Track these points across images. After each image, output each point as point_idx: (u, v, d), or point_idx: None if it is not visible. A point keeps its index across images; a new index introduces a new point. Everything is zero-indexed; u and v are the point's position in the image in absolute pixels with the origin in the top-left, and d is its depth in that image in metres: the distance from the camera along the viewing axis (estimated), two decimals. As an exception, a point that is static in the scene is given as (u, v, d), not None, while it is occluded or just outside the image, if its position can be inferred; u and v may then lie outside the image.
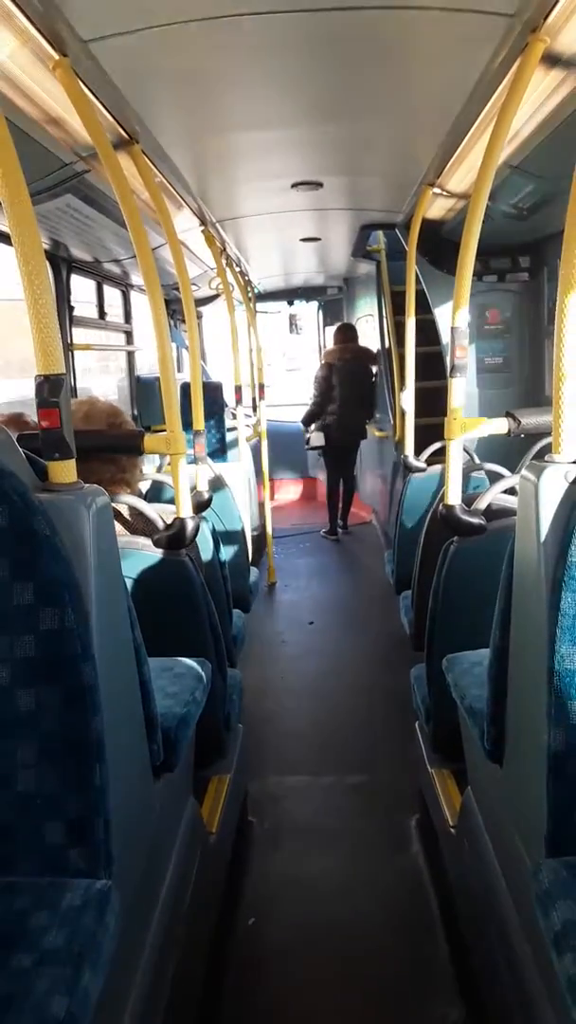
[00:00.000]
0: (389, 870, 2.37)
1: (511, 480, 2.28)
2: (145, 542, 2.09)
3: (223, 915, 2.14)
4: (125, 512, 2.21)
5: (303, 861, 2.43)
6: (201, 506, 2.69)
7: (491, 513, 2.24)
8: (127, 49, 1.75)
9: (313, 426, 6.47)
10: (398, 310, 4.69)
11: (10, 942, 0.95)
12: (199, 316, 6.83)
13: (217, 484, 3.43)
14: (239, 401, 4.71)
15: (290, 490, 8.61)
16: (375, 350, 6.18)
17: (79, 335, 3.97)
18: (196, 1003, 1.77)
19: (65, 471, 1.24)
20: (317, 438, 6.42)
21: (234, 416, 4.81)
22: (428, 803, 2.41)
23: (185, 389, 3.19)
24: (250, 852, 2.48)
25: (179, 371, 6.13)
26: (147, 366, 5.28)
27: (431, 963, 1.99)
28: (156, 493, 3.31)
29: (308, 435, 6.55)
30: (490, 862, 1.63)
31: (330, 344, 6.75)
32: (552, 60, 1.88)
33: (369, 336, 6.50)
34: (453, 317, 2.14)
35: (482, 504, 2.24)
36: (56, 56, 1.71)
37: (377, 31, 1.80)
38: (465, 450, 3.10)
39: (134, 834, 1.36)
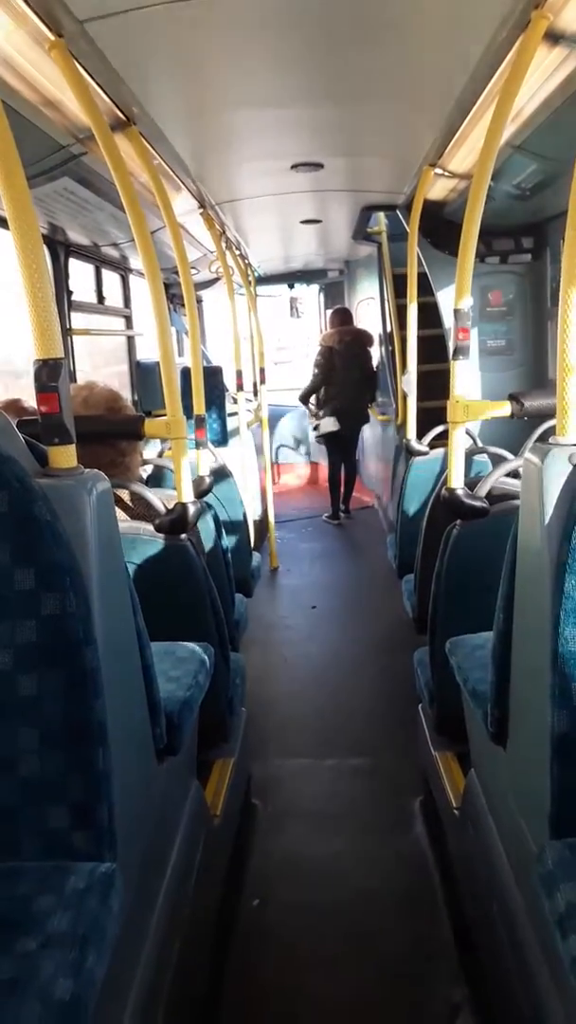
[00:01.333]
0: (392, 852, 2.38)
1: (514, 463, 2.27)
2: (147, 527, 2.08)
3: (227, 897, 2.15)
4: (126, 497, 2.20)
5: (307, 843, 2.45)
6: (202, 491, 2.69)
7: (494, 496, 2.24)
8: (124, 29, 1.73)
9: (322, 412, 6.43)
10: (400, 293, 4.66)
11: (15, 926, 0.96)
12: (199, 300, 6.80)
13: (218, 469, 3.42)
14: (240, 386, 4.70)
15: (292, 474, 8.59)
16: (375, 333, 6.15)
17: (78, 320, 3.95)
18: (200, 985, 1.79)
19: (65, 456, 1.24)
20: (327, 423, 6.35)
21: (235, 401, 4.80)
22: (431, 785, 2.42)
23: (185, 374, 3.17)
24: (254, 835, 2.50)
25: (179, 356, 6.11)
26: (147, 351, 5.26)
27: (434, 944, 2.00)
28: (157, 478, 3.31)
29: (317, 421, 6.50)
30: (493, 844, 1.64)
31: (327, 327, 6.73)
32: (555, 38, 1.85)
33: (371, 319, 6.47)
34: (455, 299, 2.12)
35: (485, 487, 2.23)
36: (52, 37, 1.69)
37: (377, 9, 1.77)
38: (468, 433, 3.09)
39: (138, 817, 1.36)
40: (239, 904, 2.17)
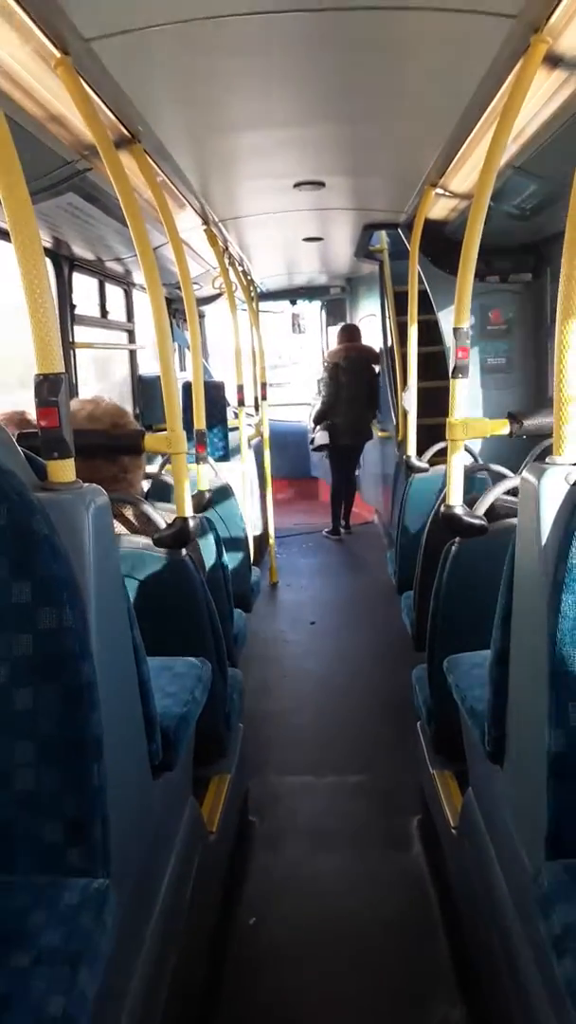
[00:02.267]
0: (390, 870, 2.36)
1: (513, 481, 2.27)
2: (146, 541, 2.08)
3: (223, 915, 2.13)
4: (126, 511, 2.20)
5: (304, 861, 2.43)
6: (203, 505, 2.69)
7: (493, 514, 2.24)
8: (129, 48, 1.75)
9: (319, 426, 6.46)
10: (401, 310, 4.69)
11: (8, 941, 0.95)
12: (201, 315, 6.83)
13: (219, 483, 3.43)
14: (241, 401, 4.71)
15: (292, 490, 8.60)
16: (378, 350, 6.18)
17: (81, 334, 3.97)
18: (195, 1003, 1.77)
19: (64, 470, 1.24)
20: (322, 437, 6.41)
21: (236, 415, 4.81)
22: (429, 804, 2.40)
23: (187, 388, 3.18)
24: (250, 852, 2.48)
25: (182, 370, 6.13)
26: (149, 365, 5.28)
27: (432, 964, 1.98)
28: (158, 493, 3.31)
29: (312, 435, 6.54)
30: (491, 863, 1.63)
31: (333, 344, 6.75)
32: (554, 61, 1.88)
33: (372, 336, 6.50)
34: (455, 318, 2.14)
35: (484, 505, 2.24)
36: (58, 54, 1.71)
37: (380, 31, 1.79)
38: (467, 451, 3.09)
39: (133, 833, 1.36)
40: (234, 922, 2.16)
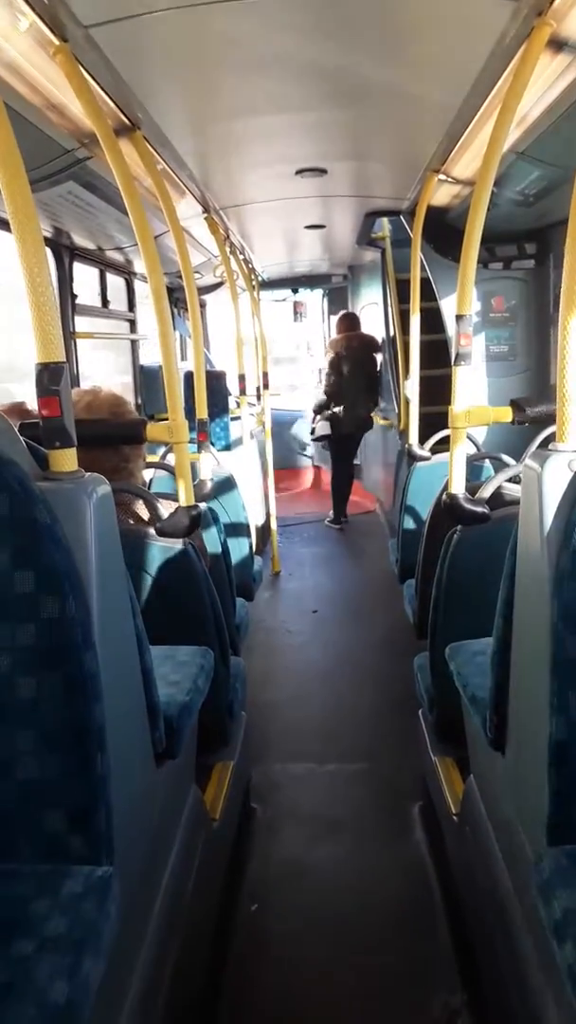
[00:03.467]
0: (391, 857, 2.38)
1: (515, 469, 2.27)
2: (148, 531, 2.09)
3: (225, 902, 2.15)
4: (128, 501, 2.20)
5: (306, 848, 2.44)
6: (204, 495, 2.69)
7: (495, 502, 2.24)
8: (128, 34, 1.73)
9: (319, 416, 6.45)
10: (403, 298, 4.66)
11: (11, 929, 0.96)
12: (203, 304, 6.81)
13: (221, 472, 3.43)
14: (243, 390, 4.70)
15: (294, 479, 8.60)
16: (379, 338, 6.16)
17: (82, 323, 3.96)
18: (198, 990, 1.78)
19: (66, 459, 1.24)
20: (322, 427, 6.41)
21: (238, 405, 4.80)
22: (430, 791, 2.41)
23: (188, 378, 3.18)
24: (253, 839, 2.49)
25: (183, 360, 6.12)
26: (153, 354, 5.27)
27: (432, 950, 2.00)
28: (160, 482, 3.31)
29: (313, 424, 6.54)
30: (492, 850, 1.63)
31: (334, 333, 6.72)
32: (558, 44, 1.86)
33: (374, 324, 6.48)
34: (458, 305, 2.13)
35: (486, 493, 2.23)
36: (56, 42, 1.69)
37: (382, 15, 1.78)
38: (470, 439, 3.09)
39: (136, 821, 1.36)
40: (237, 909, 2.17)
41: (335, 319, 7.03)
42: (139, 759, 1.41)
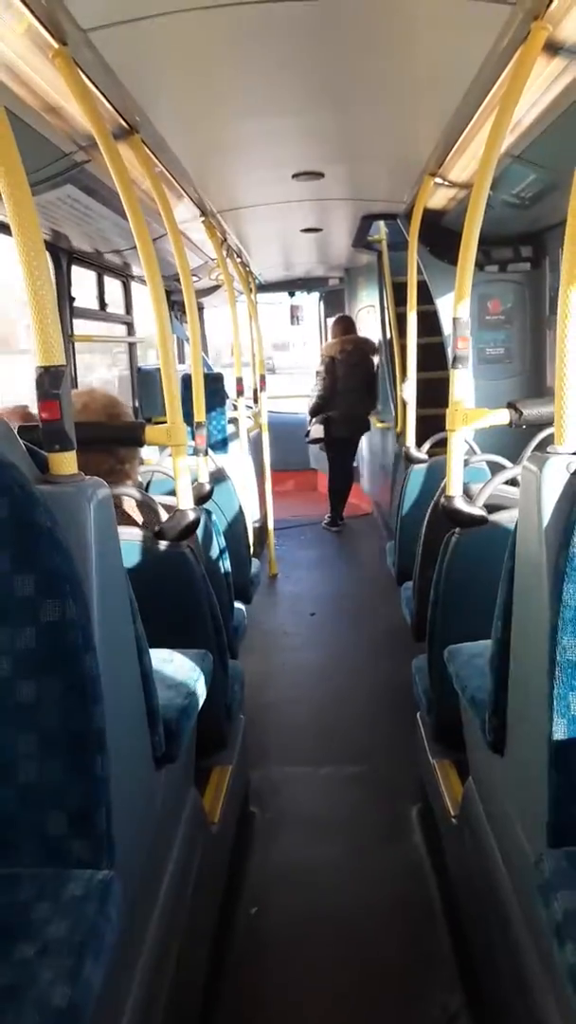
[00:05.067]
0: (390, 860, 2.38)
1: (512, 471, 2.28)
2: (146, 534, 2.09)
3: (225, 905, 2.14)
4: (125, 504, 2.20)
5: (305, 851, 2.44)
6: (202, 498, 2.69)
7: (492, 504, 2.24)
8: (127, 38, 1.74)
9: (314, 419, 6.46)
10: (399, 301, 4.67)
11: (12, 933, 0.96)
12: (200, 307, 6.81)
13: (218, 475, 3.43)
14: (240, 392, 4.70)
15: (291, 481, 8.60)
16: (375, 341, 6.17)
17: (80, 327, 3.96)
18: (198, 992, 1.78)
19: (66, 463, 1.24)
20: (317, 430, 6.42)
21: (235, 407, 4.80)
22: (429, 793, 2.41)
23: (186, 381, 3.18)
24: (252, 842, 2.49)
25: (181, 363, 6.12)
26: (149, 357, 5.27)
27: (432, 952, 2.00)
28: (158, 485, 3.31)
29: (308, 427, 6.54)
30: (491, 852, 1.63)
31: (329, 337, 6.73)
32: (554, 48, 1.86)
33: (371, 327, 6.49)
34: (455, 308, 2.13)
35: (483, 495, 2.24)
36: (55, 45, 1.70)
37: (378, 19, 1.78)
38: (466, 441, 3.09)
39: (136, 825, 1.36)
40: (237, 912, 2.17)
41: (331, 322, 7.04)
42: (139, 762, 1.41)
